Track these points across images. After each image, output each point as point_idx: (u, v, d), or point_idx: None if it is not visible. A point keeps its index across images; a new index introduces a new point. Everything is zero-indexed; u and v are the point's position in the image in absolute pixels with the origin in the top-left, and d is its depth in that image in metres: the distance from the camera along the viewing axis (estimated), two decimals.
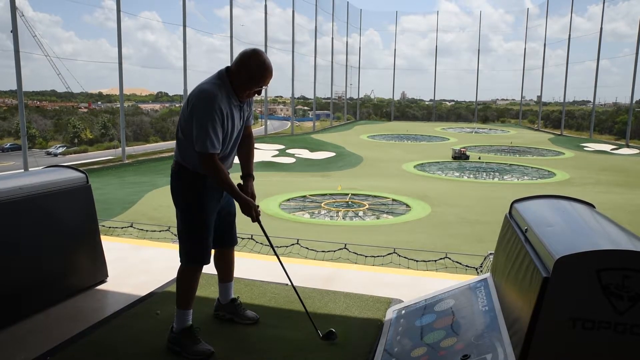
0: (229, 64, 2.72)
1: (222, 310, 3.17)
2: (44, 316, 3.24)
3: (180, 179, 2.75)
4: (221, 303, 3.18)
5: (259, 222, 2.87)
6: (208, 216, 2.78)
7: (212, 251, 2.95)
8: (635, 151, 43.21)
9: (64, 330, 3.01)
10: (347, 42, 67.17)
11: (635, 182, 27.03)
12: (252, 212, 2.76)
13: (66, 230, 3.55)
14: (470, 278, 3.52)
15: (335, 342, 2.88)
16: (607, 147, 45.21)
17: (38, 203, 3.30)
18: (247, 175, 2.87)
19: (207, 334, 2.88)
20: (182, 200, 2.77)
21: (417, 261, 8.83)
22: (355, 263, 7.77)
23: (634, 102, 50.85)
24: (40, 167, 4.20)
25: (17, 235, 3.19)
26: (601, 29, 52.89)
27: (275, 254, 3.08)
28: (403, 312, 3.16)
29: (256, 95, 2.75)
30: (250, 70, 2.61)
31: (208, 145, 2.55)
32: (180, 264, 2.86)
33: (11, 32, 24.30)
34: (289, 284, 3.05)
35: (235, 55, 2.75)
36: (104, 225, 11.47)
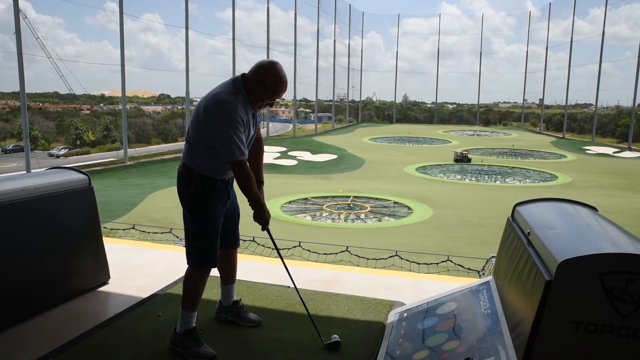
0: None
1: (224, 313, 3.17)
2: (46, 317, 3.24)
3: (189, 182, 2.75)
4: (223, 305, 3.18)
5: (268, 230, 2.88)
6: (216, 219, 2.79)
7: None
8: (638, 154, 43.13)
9: (67, 331, 3.02)
10: (349, 44, 67.22)
11: (638, 186, 26.97)
12: (267, 223, 2.82)
13: (68, 231, 3.55)
14: (472, 281, 3.52)
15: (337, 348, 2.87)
16: (609, 150, 45.12)
17: (40, 205, 3.31)
18: (258, 182, 2.87)
19: (209, 336, 2.88)
20: (191, 202, 2.77)
21: (419, 264, 8.82)
22: (357, 265, 7.75)
23: (636, 105, 50.78)
24: (43, 169, 4.20)
25: (19, 236, 3.19)
26: (603, 32, 52.86)
27: (281, 258, 3.09)
28: (405, 314, 3.16)
29: (268, 106, 2.76)
30: (265, 81, 2.63)
31: (237, 153, 2.59)
32: (187, 266, 2.85)
33: (14, 34, 24.39)
34: (291, 286, 3.05)
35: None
36: (106, 227, 11.48)
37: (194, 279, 2.84)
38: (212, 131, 2.59)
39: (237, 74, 2.79)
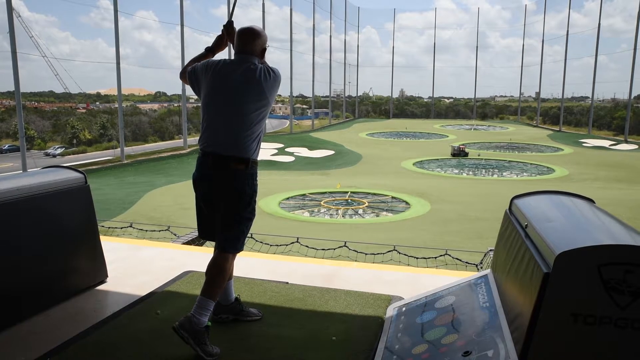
0: None
1: (225, 313, 3.08)
2: (43, 317, 3.23)
3: (254, 175, 2.79)
4: (222, 305, 3.07)
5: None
6: None
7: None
8: (634, 147, 43.27)
9: (64, 330, 3.01)
10: (345, 40, 67.15)
11: (634, 178, 27.07)
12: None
13: (65, 231, 3.53)
14: (470, 275, 3.52)
15: (335, 339, 2.88)
16: (605, 143, 45.26)
17: (36, 204, 3.29)
18: None
19: None
20: (254, 190, 2.80)
21: (417, 258, 8.85)
22: (356, 261, 7.77)
23: (632, 97, 50.89)
24: (39, 168, 4.18)
25: (15, 236, 3.17)
26: (599, 24, 52.92)
27: None
28: (404, 309, 3.16)
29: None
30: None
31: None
32: (226, 253, 2.78)
33: (7, 33, 24.28)
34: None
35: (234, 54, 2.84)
36: (103, 226, 11.48)
37: (231, 264, 2.84)
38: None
39: None
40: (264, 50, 2.86)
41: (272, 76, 2.75)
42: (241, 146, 2.71)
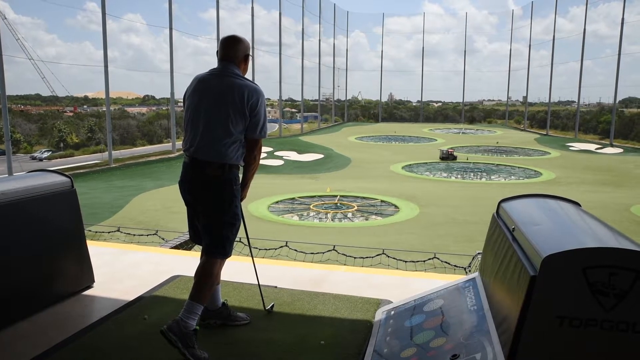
0: (216, 66, 2.84)
1: (211, 318, 3.07)
2: (29, 323, 3.19)
3: (233, 179, 2.79)
4: (209, 310, 3.04)
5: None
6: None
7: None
8: (619, 150, 43.87)
9: (51, 336, 2.97)
10: (334, 43, 67.43)
11: (620, 181, 27.43)
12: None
13: (51, 235, 3.49)
14: (458, 278, 3.53)
15: (324, 343, 2.87)
16: (591, 147, 45.83)
17: (22, 208, 3.25)
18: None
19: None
20: (234, 197, 2.80)
21: (406, 262, 8.86)
22: (344, 264, 7.78)
23: (617, 102, 51.62)
24: (25, 172, 4.13)
25: (0, 240, 3.13)
26: (584, 30, 53.67)
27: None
28: (392, 312, 3.16)
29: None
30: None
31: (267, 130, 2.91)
32: (212, 258, 2.79)
33: None
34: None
35: None
36: (90, 230, 11.37)
37: (219, 269, 2.84)
38: (258, 116, 2.78)
39: None
40: (247, 56, 2.88)
41: (247, 88, 2.75)
42: (217, 152, 2.72)
